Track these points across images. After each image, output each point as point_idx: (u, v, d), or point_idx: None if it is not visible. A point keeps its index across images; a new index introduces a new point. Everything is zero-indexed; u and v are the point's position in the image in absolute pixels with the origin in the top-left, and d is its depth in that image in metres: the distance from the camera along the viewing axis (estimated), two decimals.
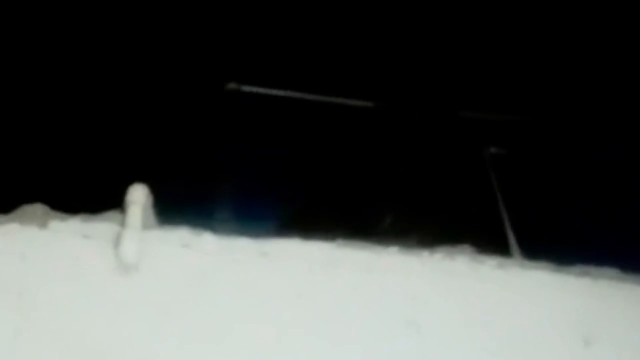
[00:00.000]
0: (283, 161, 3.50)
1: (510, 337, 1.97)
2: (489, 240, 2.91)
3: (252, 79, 3.67)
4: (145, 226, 1.86)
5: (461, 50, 3.77)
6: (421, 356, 1.87)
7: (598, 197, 3.09)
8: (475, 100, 3.67)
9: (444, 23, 3.86)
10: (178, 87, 3.69)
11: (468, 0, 3.84)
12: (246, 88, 3.65)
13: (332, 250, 1.95)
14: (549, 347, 1.97)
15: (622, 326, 2.01)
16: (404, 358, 1.86)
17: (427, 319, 1.91)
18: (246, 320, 1.86)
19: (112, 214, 1.91)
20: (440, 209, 3.39)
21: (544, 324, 2.01)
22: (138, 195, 1.86)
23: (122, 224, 1.84)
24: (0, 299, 1.73)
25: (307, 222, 3.09)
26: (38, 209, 1.89)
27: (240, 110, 3.59)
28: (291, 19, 3.88)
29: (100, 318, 1.76)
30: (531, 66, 3.69)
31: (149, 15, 3.93)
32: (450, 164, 3.57)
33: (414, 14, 3.88)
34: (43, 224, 1.84)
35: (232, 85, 3.65)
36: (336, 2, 3.91)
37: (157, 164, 3.28)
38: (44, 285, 1.76)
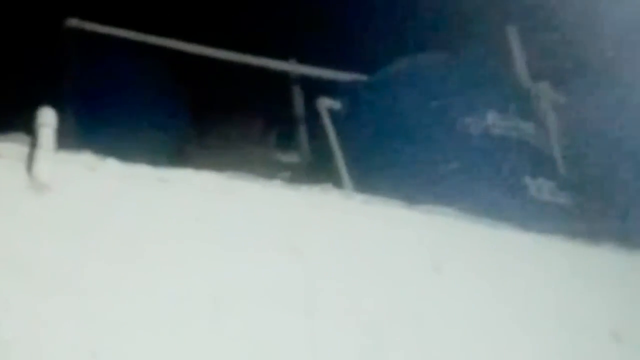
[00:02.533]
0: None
1: (374, 264, 2.24)
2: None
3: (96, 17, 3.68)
4: (55, 148, 1.95)
5: None
6: (302, 278, 2.10)
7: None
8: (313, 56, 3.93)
9: None
10: (17, 21, 3.63)
11: None
12: (88, 26, 3.65)
13: (224, 180, 2.14)
14: (405, 272, 2.27)
15: (466, 256, 2.35)
16: (288, 279, 2.08)
17: (307, 245, 2.14)
18: (147, 239, 1.99)
19: (18, 136, 1.97)
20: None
21: (400, 252, 2.30)
22: (49, 118, 1.94)
23: (33, 144, 1.92)
24: None
25: None
26: None
27: (81, 48, 3.61)
28: None
29: (15, 233, 1.83)
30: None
31: None
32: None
33: None
34: None
35: (73, 22, 3.64)
36: None
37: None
38: None
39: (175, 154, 3.72)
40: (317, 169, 3.66)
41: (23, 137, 1.97)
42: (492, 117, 3.32)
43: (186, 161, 3.70)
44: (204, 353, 1.95)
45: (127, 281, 1.91)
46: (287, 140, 4.18)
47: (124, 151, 3.23)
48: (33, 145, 1.91)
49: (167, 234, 2.01)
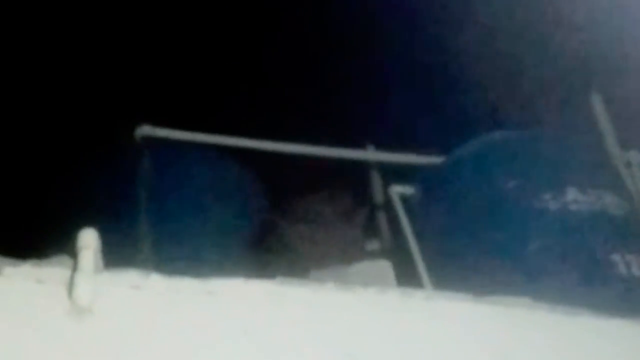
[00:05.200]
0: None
1: None
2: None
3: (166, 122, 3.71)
4: (96, 269, 1.94)
5: None
6: None
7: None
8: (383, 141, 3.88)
9: None
10: (90, 129, 3.72)
11: None
12: (160, 131, 3.70)
13: (274, 288, 2.08)
14: None
15: (539, 348, 2.20)
16: None
17: (363, 351, 2.05)
18: (194, 356, 1.95)
19: (62, 258, 1.97)
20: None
21: (466, 349, 2.18)
22: (89, 240, 1.94)
23: (74, 268, 1.91)
24: None
25: None
26: None
27: (154, 153, 3.64)
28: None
29: None
30: None
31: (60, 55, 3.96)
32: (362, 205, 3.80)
33: None
34: None
35: (145, 129, 3.70)
36: None
37: (75, 210, 3.31)
38: (1, 330, 1.81)
39: (259, 248, 3.71)
40: (397, 256, 3.57)
41: (67, 261, 1.97)
42: (572, 192, 3.18)
43: (270, 255, 3.71)
44: None
45: None
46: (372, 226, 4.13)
47: (205, 256, 3.24)
48: (74, 268, 1.91)
49: (215, 349, 1.95)
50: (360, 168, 4.10)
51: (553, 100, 4.00)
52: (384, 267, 2.67)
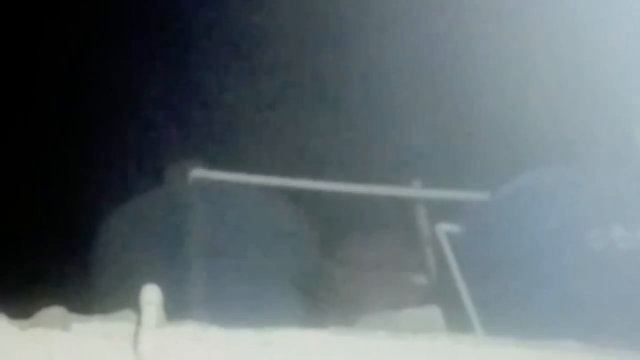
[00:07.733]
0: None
1: None
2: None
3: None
4: (158, 324, 2.04)
5: None
6: None
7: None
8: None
9: None
10: (142, 175, 3.82)
11: None
12: (213, 174, 3.79)
13: (328, 337, 2.16)
14: None
15: None
16: None
17: None
18: None
19: (127, 313, 2.08)
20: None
21: None
22: (152, 296, 2.04)
23: (138, 322, 2.01)
24: None
25: None
26: (57, 311, 2.05)
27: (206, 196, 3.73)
28: None
29: None
30: None
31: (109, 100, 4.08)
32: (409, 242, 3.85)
33: None
34: (66, 326, 2.01)
35: (197, 172, 3.79)
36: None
37: (131, 256, 3.41)
38: None
39: (310, 292, 3.74)
40: (446, 295, 3.62)
41: (132, 315, 2.07)
42: (618, 230, 3.21)
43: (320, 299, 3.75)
44: None
45: None
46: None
47: (258, 301, 3.29)
48: (138, 323, 2.01)
49: None
50: (408, 205, 4.16)
51: (598, 134, 4.03)
52: (434, 312, 2.73)
